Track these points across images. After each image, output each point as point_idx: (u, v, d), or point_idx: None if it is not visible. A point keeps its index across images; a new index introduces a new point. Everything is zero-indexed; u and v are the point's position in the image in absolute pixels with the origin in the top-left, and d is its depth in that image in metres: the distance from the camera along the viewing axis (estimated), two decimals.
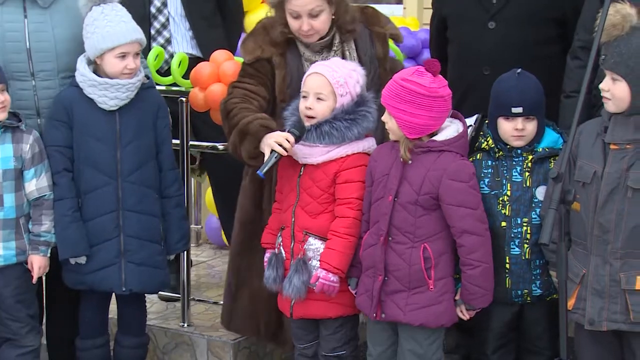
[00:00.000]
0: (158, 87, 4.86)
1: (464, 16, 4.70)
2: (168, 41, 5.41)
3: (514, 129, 4.11)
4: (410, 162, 3.99)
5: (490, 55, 4.60)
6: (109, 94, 4.37)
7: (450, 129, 4.02)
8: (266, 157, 4.10)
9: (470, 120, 4.27)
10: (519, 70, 4.14)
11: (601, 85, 3.78)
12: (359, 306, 4.20)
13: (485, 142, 4.20)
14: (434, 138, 3.98)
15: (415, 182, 3.98)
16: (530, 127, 4.12)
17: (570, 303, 3.86)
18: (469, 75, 4.62)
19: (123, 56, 4.33)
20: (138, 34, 4.38)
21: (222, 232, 5.80)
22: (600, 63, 3.76)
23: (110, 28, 4.31)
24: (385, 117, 4.01)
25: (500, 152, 4.16)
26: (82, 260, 4.43)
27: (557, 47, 4.62)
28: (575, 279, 3.87)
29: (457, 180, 3.94)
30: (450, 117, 4.05)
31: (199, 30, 5.40)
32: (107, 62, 4.35)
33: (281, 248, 4.30)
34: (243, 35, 4.75)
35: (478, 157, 4.22)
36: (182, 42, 5.39)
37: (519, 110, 4.09)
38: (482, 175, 4.17)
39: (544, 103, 4.15)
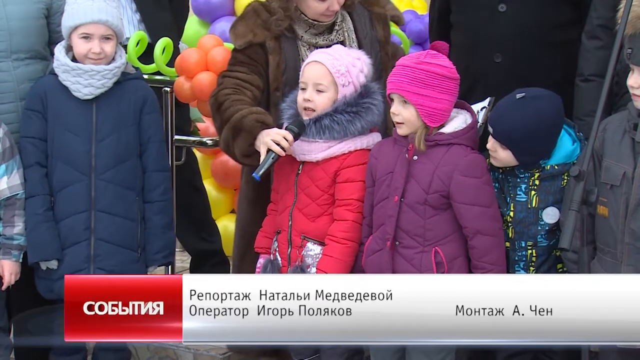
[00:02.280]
0: None
1: None
2: None
3: (487, 146, 3.92)
4: (416, 157, 3.85)
5: (501, 41, 4.39)
6: (82, 81, 4.20)
7: (458, 119, 3.89)
8: (262, 157, 3.95)
9: (482, 104, 4.13)
10: (520, 95, 3.87)
11: (629, 82, 3.63)
12: None
13: None
14: (441, 130, 3.85)
15: (423, 179, 3.83)
16: (503, 155, 3.86)
17: None
18: (477, 63, 4.41)
19: (86, 37, 4.18)
20: (103, 15, 4.19)
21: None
22: (627, 58, 3.62)
23: (76, 5, 4.20)
24: (396, 108, 3.83)
25: (505, 168, 3.95)
26: (53, 265, 4.23)
27: (575, 31, 4.40)
28: None
29: (470, 176, 3.80)
30: (455, 107, 3.91)
31: (147, 12, 5.21)
32: (74, 43, 4.23)
33: (277, 254, 4.13)
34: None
35: (488, 160, 4.00)
36: (129, 27, 5.18)
37: (490, 130, 3.89)
38: None
39: (526, 141, 3.83)
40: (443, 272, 3.79)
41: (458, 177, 3.78)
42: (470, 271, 3.85)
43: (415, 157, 3.83)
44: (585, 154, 3.29)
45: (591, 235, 3.70)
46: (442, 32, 4.61)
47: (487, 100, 4.13)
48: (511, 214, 3.90)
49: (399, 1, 6.06)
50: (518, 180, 3.90)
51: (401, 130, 3.85)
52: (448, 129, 3.83)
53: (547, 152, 3.86)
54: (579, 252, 3.32)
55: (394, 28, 4.54)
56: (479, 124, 4.00)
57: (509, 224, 3.90)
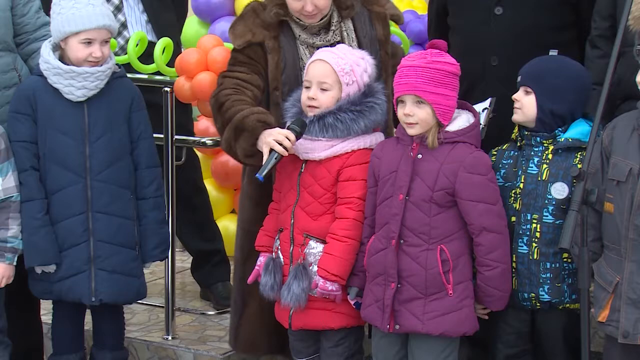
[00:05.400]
0: (139, 76, 4.83)
1: (467, 1, 4.51)
2: (124, 25, 5.20)
3: (513, 96, 3.98)
4: (420, 156, 3.84)
5: (498, 43, 4.41)
6: (75, 83, 4.17)
7: (462, 119, 3.91)
8: (265, 158, 3.93)
9: (483, 105, 4.12)
10: (553, 52, 4.03)
11: (638, 79, 3.62)
12: (366, 318, 4.02)
13: (514, 132, 4.04)
14: (446, 129, 3.85)
15: (428, 177, 3.83)
16: (526, 101, 3.93)
17: (604, 315, 3.70)
18: (474, 66, 4.40)
19: (88, 42, 4.14)
20: (107, 20, 4.17)
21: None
22: (636, 54, 3.61)
23: (76, 10, 4.13)
24: (410, 109, 3.81)
25: (523, 141, 3.97)
26: (51, 268, 4.22)
27: (572, 34, 4.45)
28: (609, 288, 3.69)
29: (475, 173, 3.81)
30: (458, 107, 3.91)
31: (154, 13, 5.23)
32: (71, 47, 4.17)
33: (279, 252, 4.12)
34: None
35: (504, 147, 4.06)
36: (137, 27, 5.19)
37: (519, 78, 3.98)
38: (500, 166, 4.01)
39: (551, 78, 3.92)
40: (448, 270, 3.79)
41: (463, 174, 3.78)
42: (474, 269, 3.86)
43: (420, 156, 3.83)
44: (587, 154, 3.32)
45: (598, 232, 3.70)
46: (441, 34, 4.59)
47: (488, 100, 4.12)
48: (521, 185, 3.91)
49: (399, 1, 6.04)
50: (532, 153, 3.91)
51: (413, 131, 3.83)
52: (452, 127, 3.84)
53: (567, 107, 3.89)
54: (579, 252, 3.36)
55: (394, 28, 4.51)
56: (480, 125, 4.00)
57: (518, 196, 3.91)
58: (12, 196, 4.15)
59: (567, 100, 3.89)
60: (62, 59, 4.18)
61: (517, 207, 3.92)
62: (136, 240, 4.30)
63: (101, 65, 4.17)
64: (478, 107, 4.05)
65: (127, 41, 5.06)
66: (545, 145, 3.91)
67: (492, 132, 4.07)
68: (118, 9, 5.14)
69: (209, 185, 5.77)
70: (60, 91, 4.16)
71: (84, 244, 4.19)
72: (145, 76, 4.92)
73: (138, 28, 5.15)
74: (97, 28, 4.12)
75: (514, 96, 3.92)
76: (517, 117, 3.94)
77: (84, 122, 4.19)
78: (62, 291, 4.22)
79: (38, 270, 4.20)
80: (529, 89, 3.90)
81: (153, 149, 4.37)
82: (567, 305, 3.92)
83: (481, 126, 4.00)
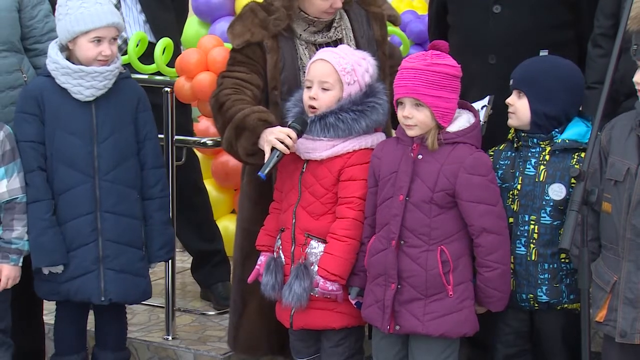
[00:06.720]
0: (139, 76, 4.80)
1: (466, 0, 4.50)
2: None
3: (507, 101, 3.97)
4: (420, 156, 3.83)
5: (496, 42, 4.40)
6: (84, 83, 4.16)
7: (462, 119, 3.89)
8: (267, 156, 3.92)
9: (482, 103, 4.11)
10: (543, 53, 4.04)
11: (635, 79, 3.61)
12: (367, 319, 4.01)
13: (510, 132, 4.03)
14: (446, 129, 3.84)
15: (429, 178, 3.81)
16: (519, 105, 3.92)
17: (602, 314, 3.68)
18: (473, 64, 4.37)
19: (98, 41, 4.14)
20: (115, 17, 4.19)
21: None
22: (632, 54, 3.59)
23: (84, 9, 4.13)
24: (409, 112, 3.80)
25: (520, 142, 3.96)
26: (59, 269, 4.21)
27: (570, 33, 4.43)
28: (606, 288, 3.67)
29: (476, 174, 3.79)
30: (458, 107, 3.90)
31: (152, 13, 5.22)
32: (81, 46, 4.16)
33: (280, 252, 4.11)
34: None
35: (501, 147, 4.05)
36: (135, 27, 5.19)
37: (511, 82, 3.95)
38: (497, 167, 3.99)
39: (543, 81, 3.91)
40: (448, 271, 3.79)
41: (464, 175, 3.77)
42: (474, 270, 3.86)
43: (420, 156, 3.82)
44: (588, 154, 3.31)
45: (597, 232, 3.70)
46: (440, 32, 4.60)
47: (487, 98, 4.11)
48: (518, 186, 3.91)
49: (399, 1, 6.04)
50: (529, 154, 3.91)
51: (413, 132, 3.82)
52: (453, 128, 3.83)
53: (560, 108, 3.88)
54: (579, 252, 3.34)
55: (394, 28, 4.50)
56: (480, 122, 4.00)
57: (515, 197, 3.90)
58: (17, 197, 4.14)
59: (560, 101, 3.88)
60: (70, 59, 4.17)
61: (515, 208, 3.91)
62: (143, 240, 4.30)
63: (109, 64, 4.16)
64: (477, 105, 4.05)
65: (124, 41, 5.05)
66: (543, 146, 3.90)
67: (490, 131, 4.05)
68: (115, 8, 5.13)
69: (209, 185, 5.77)
70: (69, 91, 4.16)
71: (93, 244, 4.19)
72: (146, 76, 4.91)
73: (136, 28, 5.14)
74: (107, 26, 4.13)
75: (507, 100, 3.92)
76: (511, 121, 3.93)
77: (92, 122, 4.19)
78: (71, 291, 4.22)
79: (45, 271, 4.19)
80: (521, 93, 3.90)
81: (158, 149, 4.38)
82: (566, 305, 3.92)
83: (481, 123, 3.99)
